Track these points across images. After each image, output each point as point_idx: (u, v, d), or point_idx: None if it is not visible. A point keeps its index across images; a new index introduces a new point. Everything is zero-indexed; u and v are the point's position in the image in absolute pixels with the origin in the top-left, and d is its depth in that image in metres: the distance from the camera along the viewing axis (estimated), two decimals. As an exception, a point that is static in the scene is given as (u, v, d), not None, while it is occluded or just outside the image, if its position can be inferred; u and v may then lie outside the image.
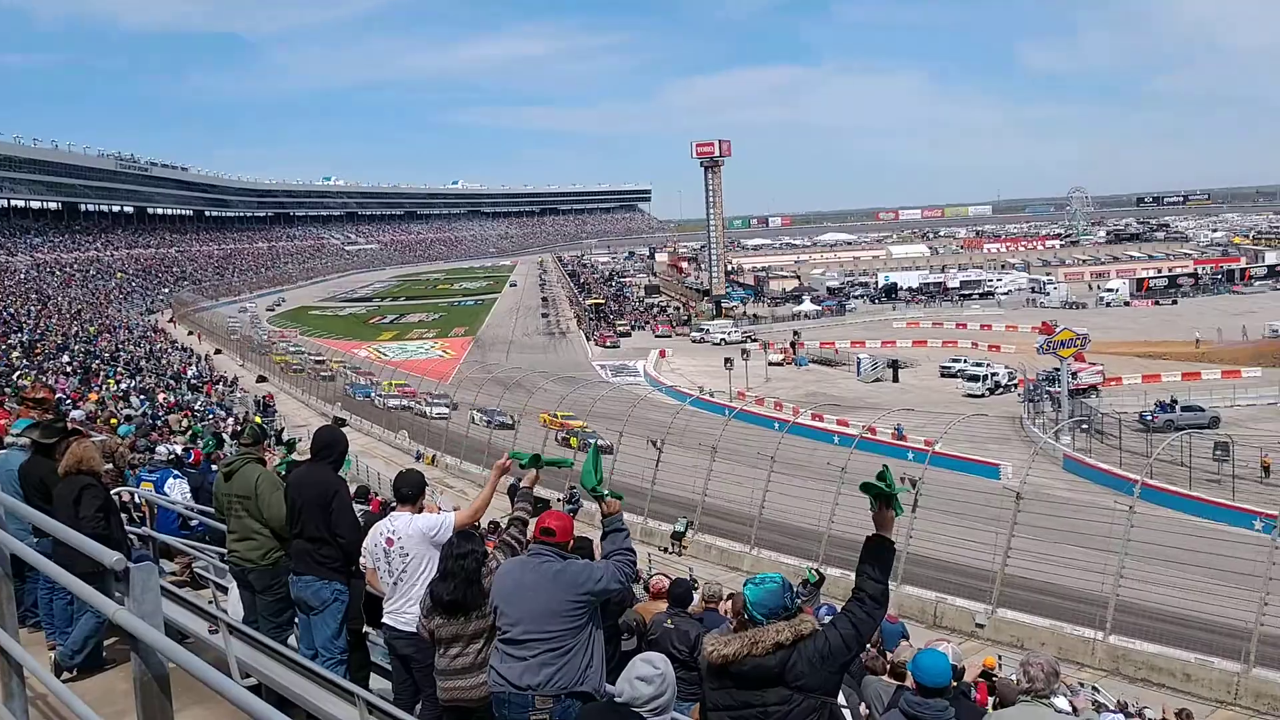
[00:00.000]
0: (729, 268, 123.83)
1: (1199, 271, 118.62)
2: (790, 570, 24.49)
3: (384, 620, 6.24)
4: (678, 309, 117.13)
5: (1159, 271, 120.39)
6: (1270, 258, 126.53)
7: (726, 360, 66.56)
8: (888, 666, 8.49)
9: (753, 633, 4.17)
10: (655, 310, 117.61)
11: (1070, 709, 7.64)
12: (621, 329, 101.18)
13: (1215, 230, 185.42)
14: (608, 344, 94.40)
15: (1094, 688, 16.37)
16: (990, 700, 9.58)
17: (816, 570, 9.12)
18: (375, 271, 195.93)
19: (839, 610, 4.44)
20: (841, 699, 4.92)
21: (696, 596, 8.96)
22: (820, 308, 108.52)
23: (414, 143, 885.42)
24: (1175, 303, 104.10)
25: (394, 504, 6.66)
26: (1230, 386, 60.66)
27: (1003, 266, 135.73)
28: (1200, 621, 22.25)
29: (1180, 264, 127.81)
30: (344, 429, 9.50)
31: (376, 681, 6.89)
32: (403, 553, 6.14)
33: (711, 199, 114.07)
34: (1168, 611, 23.38)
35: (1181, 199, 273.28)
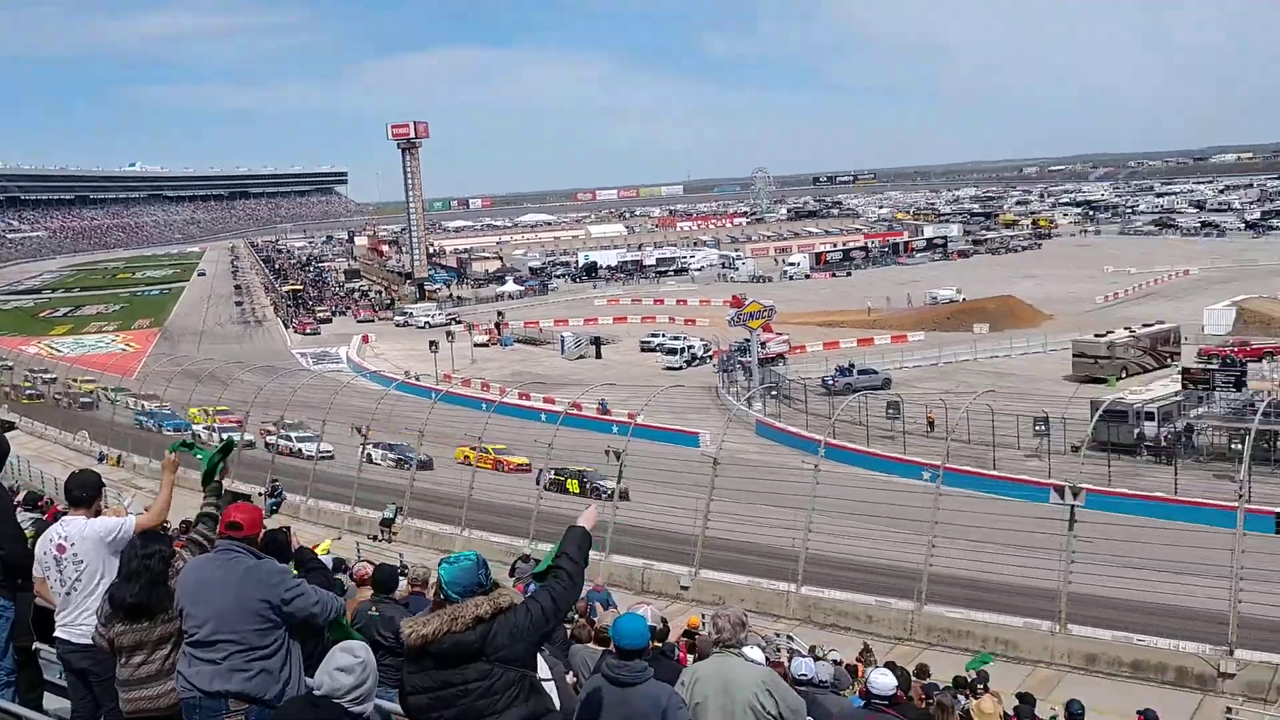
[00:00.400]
0: (431, 250, 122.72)
1: (869, 245, 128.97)
2: (502, 549, 24.65)
3: (56, 634, 5.77)
4: (380, 293, 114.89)
5: (834, 246, 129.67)
6: (929, 231, 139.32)
7: (431, 343, 65.96)
8: (593, 634, 8.73)
9: (451, 609, 4.18)
10: (357, 295, 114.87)
11: (764, 658, 8.13)
12: (322, 315, 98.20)
13: (881, 207, 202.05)
14: (307, 331, 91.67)
15: (789, 636, 17.45)
16: (691, 657, 10.06)
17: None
18: (43, 261, 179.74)
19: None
20: (545, 670, 5.01)
21: (404, 582, 8.87)
22: (523, 288, 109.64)
23: (84, 121, 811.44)
24: (849, 274, 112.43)
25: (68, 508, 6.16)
26: (899, 350, 66.22)
27: (695, 244, 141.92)
28: (879, 567, 24.25)
29: (852, 238, 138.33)
30: (10, 432, 8.68)
31: (52, 701, 6.38)
32: (76, 559, 5.68)
33: (410, 181, 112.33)
34: (851, 560, 25.27)
35: (852, 178, 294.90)
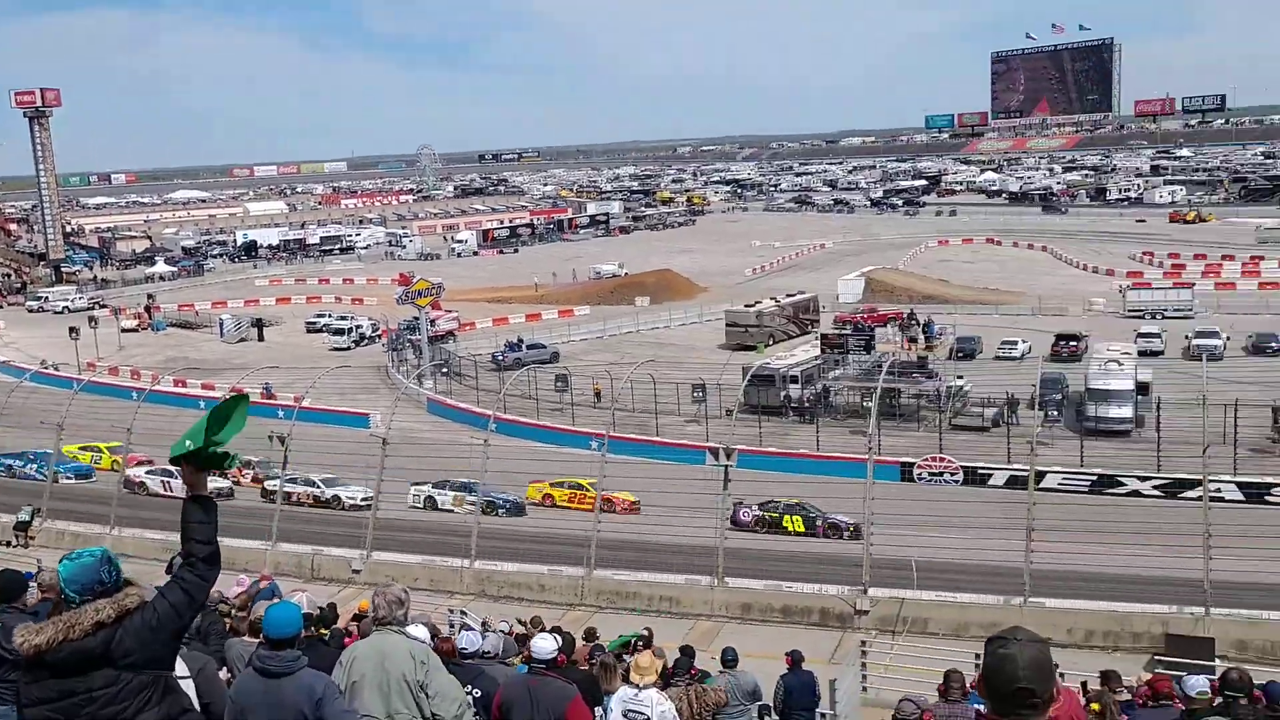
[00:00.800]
0: (68, 229, 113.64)
1: (535, 222, 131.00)
2: (158, 545, 23.17)
3: None
4: (8, 276, 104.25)
5: (501, 223, 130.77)
6: (592, 208, 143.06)
7: (72, 330, 60.76)
8: (250, 626, 8.47)
9: (69, 616, 3.83)
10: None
11: (428, 634, 8.20)
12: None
13: (546, 185, 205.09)
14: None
15: (462, 611, 17.58)
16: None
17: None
18: None
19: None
20: (183, 667, 4.82)
21: (34, 587, 8.18)
22: (176, 269, 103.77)
23: None
24: (516, 251, 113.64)
25: None
26: (566, 324, 67.88)
27: (361, 222, 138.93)
28: (550, 536, 24.92)
29: (519, 215, 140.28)
30: None
31: None
32: None
33: (41, 154, 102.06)
34: (524, 532, 25.82)
35: (517, 156, 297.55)
